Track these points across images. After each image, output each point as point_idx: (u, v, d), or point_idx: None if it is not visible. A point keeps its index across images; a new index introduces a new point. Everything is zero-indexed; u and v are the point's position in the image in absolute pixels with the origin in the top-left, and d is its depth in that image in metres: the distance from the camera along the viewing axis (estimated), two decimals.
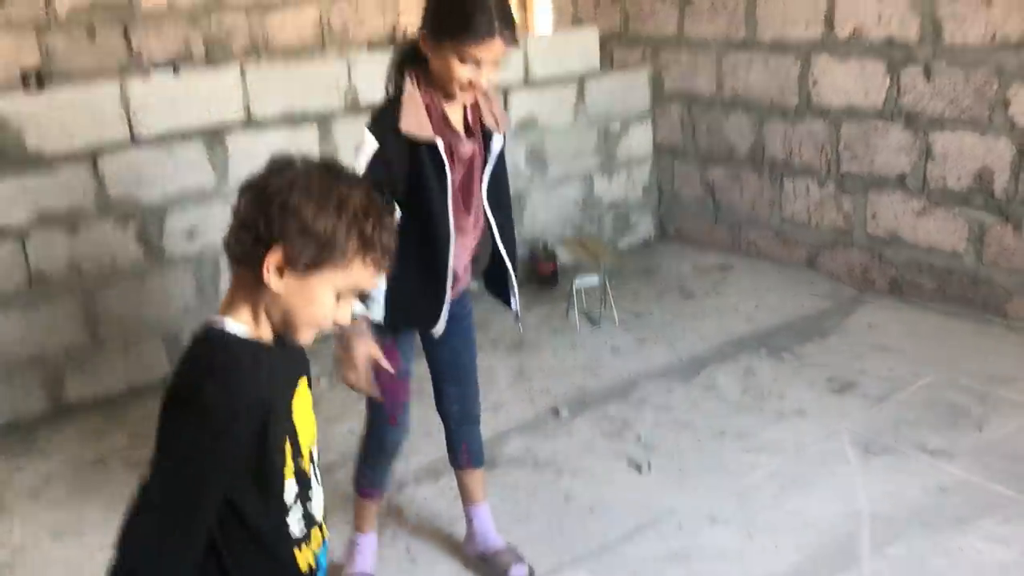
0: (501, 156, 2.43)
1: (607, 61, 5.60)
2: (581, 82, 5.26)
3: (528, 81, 5.05)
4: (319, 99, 4.42)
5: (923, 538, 2.77)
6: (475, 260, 2.51)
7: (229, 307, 1.37)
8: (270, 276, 1.31)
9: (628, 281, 5.04)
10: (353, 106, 4.50)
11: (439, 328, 2.46)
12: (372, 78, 4.50)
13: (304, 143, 4.39)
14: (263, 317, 1.36)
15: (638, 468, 3.27)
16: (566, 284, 4.80)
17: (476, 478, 2.77)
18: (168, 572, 1.29)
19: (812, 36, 4.63)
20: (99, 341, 4.06)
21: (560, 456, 3.38)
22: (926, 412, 3.49)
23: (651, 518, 2.97)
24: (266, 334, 1.38)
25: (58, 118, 3.83)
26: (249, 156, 4.26)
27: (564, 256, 5.05)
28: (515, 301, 2.62)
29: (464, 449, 2.74)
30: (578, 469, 3.29)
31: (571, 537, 2.91)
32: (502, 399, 3.85)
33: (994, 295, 4.18)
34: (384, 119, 2.24)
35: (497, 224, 2.50)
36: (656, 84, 5.54)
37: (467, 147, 2.32)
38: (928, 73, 4.20)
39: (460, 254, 2.40)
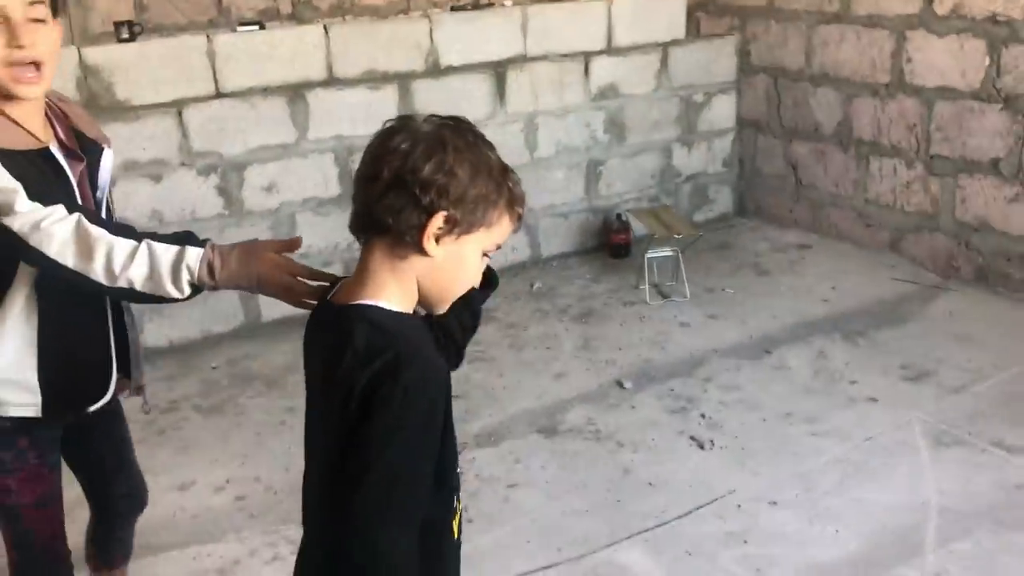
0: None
1: (693, 29, 5.48)
2: (665, 50, 5.16)
3: (611, 47, 4.98)
4: (400, 60, 4.43)
5: (993, 535, 2.69)
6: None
7: (374, 287, 1.29)
8: (429, 245, 1.25)
9: (702, 256, 4.96)
10: (434, 68, 4.50)
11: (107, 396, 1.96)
12: (454, 40, 4.51)
13: (384, 104, 4.41)
14: (408, 291, 1.30)
15: (700, 446, 3.23)
16: (638, 256, 4.75)
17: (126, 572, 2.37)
18: (411, 553, 1.27)
19: (909, 11, 4.44)
20: None
21: (622, 429, 3.36)
22: (1004, 406, 3.36)
23: (710, 497, 2.94)
24: (409, 308, 1.32)
25: (147, 69, 3.92)
26: (329, 114, 4.31)
27: (638, 227, 4.99)
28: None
29: (122, 545, 2.33)
30: (639, 443, 3.27)
31: (628, 511, 2.90)
32: (566, 368, 3.85)
33: None
34: None
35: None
36: (743, 55, 5.40)
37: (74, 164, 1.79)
38: None
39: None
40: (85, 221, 1.64)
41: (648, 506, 2.91)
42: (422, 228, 1.23)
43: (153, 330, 4.16)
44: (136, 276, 1.66)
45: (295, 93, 4.23)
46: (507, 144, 4.79)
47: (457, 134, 1.26)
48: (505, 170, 1.30)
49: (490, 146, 1.29)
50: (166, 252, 1.68)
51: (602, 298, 4.56)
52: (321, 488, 1.37)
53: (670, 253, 4.58)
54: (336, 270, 4.51)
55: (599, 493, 3.00)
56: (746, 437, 3.28)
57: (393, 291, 1.29)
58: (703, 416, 3.42)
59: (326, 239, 4.46)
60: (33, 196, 1.61)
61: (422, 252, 1.25)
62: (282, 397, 3.74)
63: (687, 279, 4.52)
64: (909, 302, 4.30)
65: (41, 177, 1.67)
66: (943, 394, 3.48)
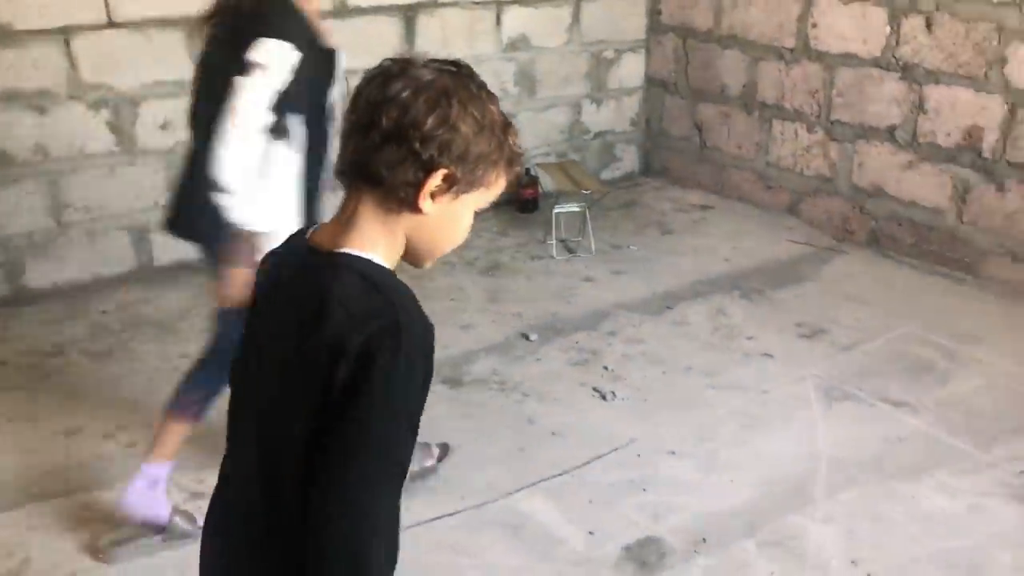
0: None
1: None
2: (577, 4, 5.12)
3: None
4: None
5: (876, 484, 2.81)
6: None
7: (361, 238, 1.19)
8: (425, 203, 1.17)
9: (608, 213, 4.99)
10: (341, 7, 4.35)
11: None
12: None
13: None
14: (396, 246, 1.22)
15: (603, 397, 3.27)
16: (546, 210, 4.75)
17: None
18: (395, 517, 1.20)
19: None
20: (63, 227, 3.97)
21: (527, 380, 3.37)
22: (892, 364, 3.51)
23: (612, 447, 2.98)
24: (394, 263, 1.24)
25: None
26: None
27: (546, 182, 4.98)
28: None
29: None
30: (543, 394, 3.28)
31: (532, 460, 2.92)
32: (473, 320, 3.83)
33: (970, 254, 4.18)
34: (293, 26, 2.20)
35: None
36: (653, 14, 5.41)
37: None
38: (929, 24, 4.12)
39: None
40: None
41: (551, 455, 2.93)
42: (419, 185, 1.16)
43: (37, 272, 3.95)
44: None
45: (194, 27, 4.02)
46: None
47: (461, 84, 1.17)
48: (507, 126, 1.21)
49: (493, 98, 1.21)
50: None
51: (509, 252, 4.54)
52: (280, 461, 1.22)
53: (577, 209, 4.59)
54: None
55: (503, 443, 3.00)
56: (647, 389, 3.33)
57: (381, 245, 1.20)
58: (606, 368, 3.45)
59: None
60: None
61: (416, 210, 1.18)
62: (176, 343, 3.61)
63: (593, 235, 4.55)
64: (805, 263, 4.43)
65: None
66: (835, 351, 3.60)
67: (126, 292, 4.02)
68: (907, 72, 4.25)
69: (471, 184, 1.19)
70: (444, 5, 4.65)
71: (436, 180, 1.15)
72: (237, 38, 2.17)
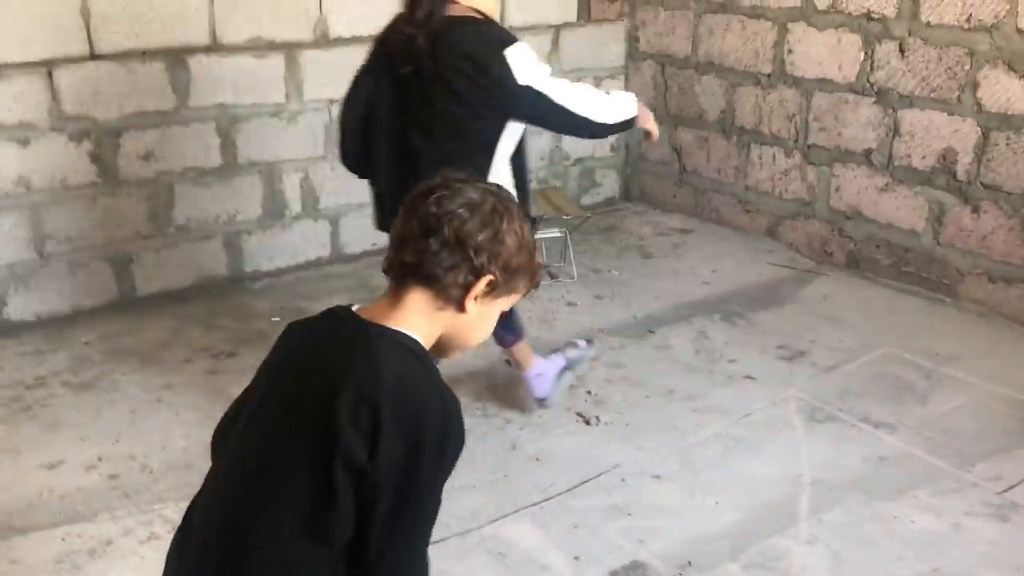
0: None
1: (584, 13, 5.51)
2: (557, 32, 5.19)
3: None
4: (288, 28, 4.29)
5: (860, 505, 2.82)
6: None
7: (409, 324, 1.38)
8: (470, 303, 1.38)
9: (589, 238, 5.03)
10: (323, 38, 4.39)
11: None
12: (344, 10, 4.41)
13: (270, 73, 4.28)
14: (433, 337, 1.41)
15: (586, 422, 3.28)
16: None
17: None
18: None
19: (791, 3, 4.59)
20: (45, 259, 3.96)
21: (509, 406, 3.38)
22: (872, 384, 3.54)
23: (595, 471, 2.99)
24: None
25: (14, 26, 3.68)
26: (212, 81, 4.15)
27: (527, 208, 5.01)
28: None
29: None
30: (527, 419, 3.29)
31: (515, 485, 2.92)
32: None
33: (947, 275, 4.24)
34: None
35: None
36: (631, 41, 5.49)
37: None
38: (903, 49, 4.20)
39: None
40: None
41: (535, 481, 2.94)
42: (468, 287, 1.36)
43: (19, 303, 3.93)
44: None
45: (176, 58, 4.05)
46: None
47: (504, 205, 1.39)
48: (535, 244, 1.45)
49: (526, 218, 1.44)
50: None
51: None
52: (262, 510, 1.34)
53: (559, 234, 4.62)
54: (216, 245, 4.37)
55: (486, 469, 3.00)
56: (630, 413, 3.34)
57: (423, 334, 1.39)
58: (589, 393, 3.46)
59: (206, 211, 4.30)
60: None
61: (461, 308, 1.38)
62: (158, 374, 3.60)
63: (575, 260, 4.57)
64: (785, 285, 4.47)
65: None
66: (816, 373, 3.63)
67: (108, 323, 4.01)
68: (882, 96, 4.33)
69: (506, 290, 1.41)
70: None
71: (482, 284, 1.37)
72: (456, 64, 2.55)
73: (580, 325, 4.04)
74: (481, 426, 3.25)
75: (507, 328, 3.03)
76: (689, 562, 2.57)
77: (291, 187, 4.51)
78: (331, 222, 4.68)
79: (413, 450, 1.28)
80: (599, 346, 3.82)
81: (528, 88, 2.58)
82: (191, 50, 4.07)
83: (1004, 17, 3.81)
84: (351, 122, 2.83)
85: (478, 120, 2.63)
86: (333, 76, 4.44)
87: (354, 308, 1.44)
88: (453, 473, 2.98)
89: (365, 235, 4.79)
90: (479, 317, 1.41)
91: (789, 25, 4.63)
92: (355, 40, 4.46)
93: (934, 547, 2.64)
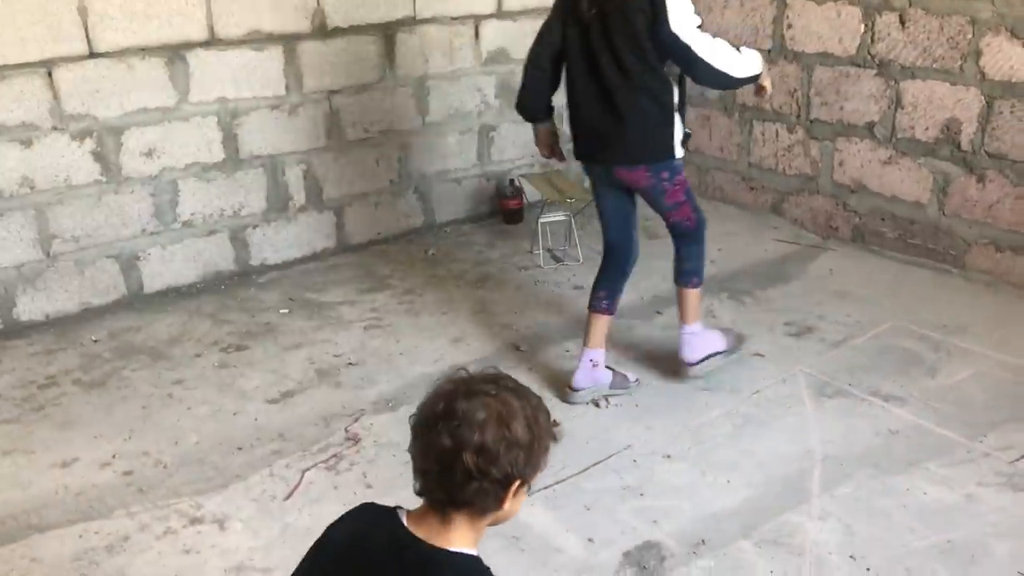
0: None
1: None
2: None
3: (501, 11, 4.94)
4: (286, 20, 4.28)
5: (871, 479, 2.83)
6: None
7: (459, 537, 1.45)
8: (507, 505, 1.45)
9: (593, 220, 4.96)
10: (321, 29, 4.38)
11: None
12: (341, 0, 4.39)
13: (269, 65, 4.27)
14: (481, 531, 1.49)
15: (596, 404, 3.29)
16: (532, 221, 4.77)
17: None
18: None
19: None
20: (52, 258, 3.98)
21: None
22: (881, 358, 3.54)
23: (607, 453, 3.00)
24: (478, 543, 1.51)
25: (12, 26, 3.67)
26: (212, 76, 4.15)
27: (531, 192, 5.01)
28: None
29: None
30: None
31: None
32: (463, 332, 3.85)
33: (953, 246, 4.23)
34: None
35: None
36: None
37: None
38: (903, 21, 4.17)
39: None
40: None
41: (548, 464, 2.94)
42: (502, 499, 1.43)
43: (28, 303, 3.95)
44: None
45: (175, 54, 4.05)
46: (398, 108, 4.73)
47: (510, 408, 1.42)
48: (547, 416, 1.49)
49: (533, 397, 1.48)
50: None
51: (497, 263, 4.56)
52: None
53: (563, 218, 4.62)
54: (222, 239, 4.38)
55: None
56: (640, 394, 3.35)
57: (475, 540, 1.47)
58: None
59: (211, 205, 4.31)
60: None
61: (500, 509, 1.45)
62: (168, 369, 3.62)
63: (580, 243, 4.57)
64: (791, 262, 4.47)
65: None
66: (824, 348, 3.63)
67: (116, 320, 4.03)
68: (883, 69, 4.30)
69: (535, 475, 1.47)
70: (423, 22, 4.68)
71: (513, 490, 1.43)
72: (637, 4, 2.83)
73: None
74: None
75: (699, 268, 3.38)
76: (702, 540, 2.59)
77: (294, 179, 4.51)
78: (335, 213, 4.68)
79: None
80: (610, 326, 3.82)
81: (676, 37, 2.83)
82: (189, 45, 4.06)
83: None
84: (539, 70, 3.18)
85: (655, 56, 2.90)
86: (332, 66, 4.45)
87: (403, 518, 1.48)
88: None
89: (369, 225, 4.80)
90: (516, 504, 1.48)
91: (788, 0, 4.60)
92: (353, 30, 4.47)
93: (946, 519, 2.65)
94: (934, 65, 4.10)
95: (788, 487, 2.81)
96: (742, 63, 3.00)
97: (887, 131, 4.36)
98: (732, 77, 3.00)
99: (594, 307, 3.33)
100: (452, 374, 1.52)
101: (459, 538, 1.45)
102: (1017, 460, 2.89)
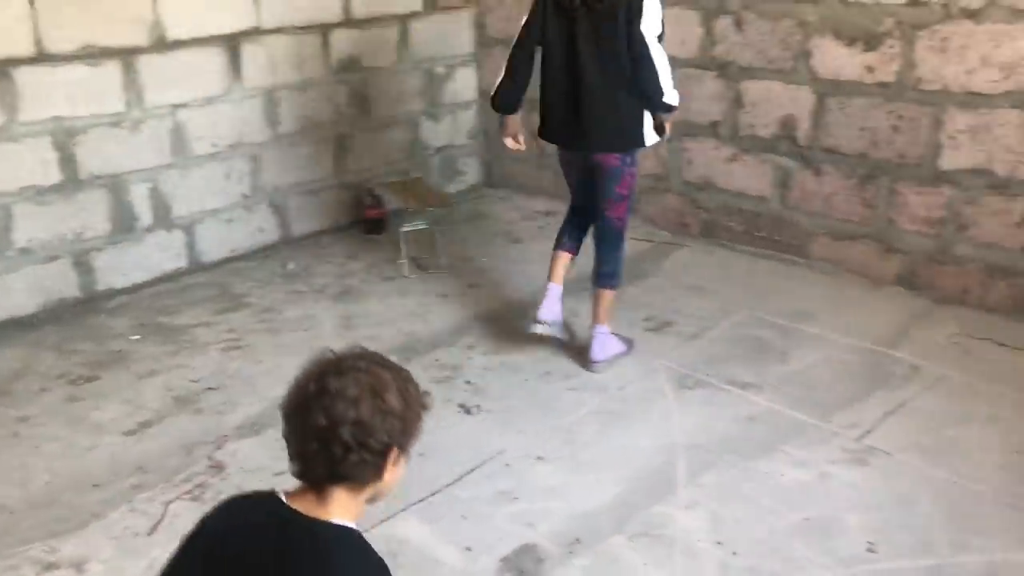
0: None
1: (430, 2, 5.49)
2: (404, 22, 5.15)
3: (349, 19, 4.89)
4: (122, 33, 4.09)
5: (733, 465, 2.95)
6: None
7: (341, 510, 1.47)
8: (386, 475, 1.49)
9: (457, 227, 5.03)
10: (160, 42, 4.21)
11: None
12: (180, 12, 4.24)
13: (106, 81, 4.08)
14: (362, 506, 1.52)
15: (467, 411, 3.29)
16: (394, 230, 4.74)
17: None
18: None
19: None
20: None
21: None
22: (735, 347, 3.69)
23: (480, 460, 3.01)
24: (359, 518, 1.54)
25: None
26: (42, 94, 3.92)
27: (392, 201, 4.97)
28: None
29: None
30: None
31: (401, 483, 2.89)
32: (327, 348, 3.77)
33: (796, 237, 4.45)
34: None
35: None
36: (479, 28, 5.50)
37: None
38: (739, 23, 4.36)
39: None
40: None
41: (421, 476, 2.92)
42: (381, 468, 1.47)
43: None
44: None
45: None
46: (247, 120, 4.60)
47: (381, 380, 1.46)
48: (416, 387, 1.54)
49: (403, 371, 1.53)
50: None
51: (360, 275, 4.51)
52: None
53: (425, 226, 4.61)
54: (64, 265, 4.14)
55: None
56: (510, 398, 3.38)
57: (355, 514, 1.50)
58: (468, 383, 3.48)
59: (50, 231, 4.07)
60: None
61: (379, 480, 1.49)
62: (11, 406, 3.40)
63: (444, 251, 4.57)
64: (647, 259, 4.60)
65: None
66: (682, 341, 3.76)
67: None
68: (723, 70, 4.49)
69: (412, 443, 1.53)
70: (268, 32, 4.57)
71: (392, 459, 1.48)
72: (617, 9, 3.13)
73: (454, 315, 4.04)
74: None
75: (618, 272, 3.56)
76: (577, 539, 2.63)
77: (140, 198, 4.31)
78: (185, 231, 4.51)
79: None
80: (475, 334, 3.85)
81: (643, 36, 3.13)
82: (15, 62, 3.82)
83: None
84: (524, 65, 3.42)
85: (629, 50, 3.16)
86: (175, 79, 4.29)
87: (282, 498, 1.48)
88: None
89: (222, 242, 4.65)
90: (395, 474, 1.52)
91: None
92: (196, 42, 4.32)
93: (803, 497, 2.79)
94: (769, 66, 4.31)
95: (656, 479, 2.89)
96: (672, 89, 3.26)
97: (730, 130, 4.55)
98: (661, 92, 3.22)
99: (562, 247, 3.62)
100: (318, 355, 1.53)
101: (339, 511, 1.47)
102: (862, 436, 3.07)
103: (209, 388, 3.50)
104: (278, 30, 4.60)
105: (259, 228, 4.78)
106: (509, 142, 3.64)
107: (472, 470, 2.96)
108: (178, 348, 3.81)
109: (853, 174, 4.17)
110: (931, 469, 2.89)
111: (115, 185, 4.22)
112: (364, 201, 5.03)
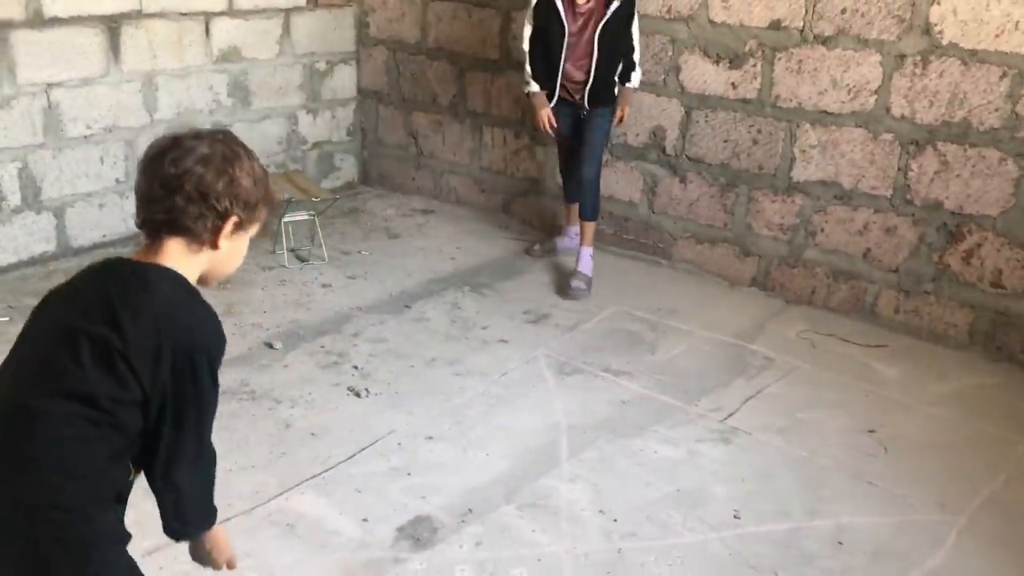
0: (616, 14, 4.04)
1: None
2: (287, 16, 5.16)
3: (232, 9, 4.87)
4: None
5: (610, 443, 3.16)
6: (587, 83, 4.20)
7: (169, 260, 1.52)
8: (222, 242, 1.54)
9: (335, 221, 5.08)
10: (36, 18, 4.08)
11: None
12: None
13: None
14: (196, 274, 1.57)
15: (357, 394, 3.37)
16: (273, 221, 4.73)
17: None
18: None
19: None
20: None
21: (277, 387, 3.39)
22: (608, 339, 3.92)
23: (372, 439, 3.10)
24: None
25: None
26: None
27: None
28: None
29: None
30: (297, 398, 3.33)
31: (295, 461, 2.96)
32: None
33: (662, 240, 4.75)
34: None
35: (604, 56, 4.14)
36: (361, 27, 5.57)
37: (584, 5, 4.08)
38: None
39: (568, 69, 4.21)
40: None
41: (314, 454, 3.00)
42: (218, 230, 1.53)
43: None
44: None
45: None
46: (124, 104, 4.51)
47: (232, 150, 1.54)
48: (267, 174, 1.62)
49: (254, 154, 1.60)
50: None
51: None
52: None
53: (306, 217, 4.64)
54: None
55: (263, 449, 3.01)
56: (397, 383, 3.48)
57: (186, 273, 1.55)
58: (356, 368, 3.56)
59: None
60: None
61: (215, 247, 1.55)
62: None
63: (324, 243, 4.61)
64: (522, 258, 4.79)
65: None
66: (560, 332, 3.96)
67: None
68: None
69: (251, 222, 1.59)
70: (150, 16, 4.50)
71: (229, 225, 1.54)
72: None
73: (338, 305, 4.10)
74: (249, 409, 3.24)
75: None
76: (469, 510, 2.76)
77: (8, 178, 4.16)
78: (55, 214, 4.38)
79: (193, 356, 1.48)
80: (359, 323, 3.93)
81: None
82: None
83: (698, 9, 4.34)
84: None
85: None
86: (51, 57, 4.17)
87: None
88: (229, 456, 2.99)
89: (94, 227, 4.53)
90: (232, 250, 1.59)
91: (512, 14, 4.94)
92: (75, 20, 4.21)
93: (674, 471, 3.02)
94: (643, 79, 4.59)
95: (540, 455, 3.07)
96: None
97: None
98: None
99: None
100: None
101: (171, 261, 1.53)
102: (726, 419, 3.35)
103: None
104: (160, 14, 4.54)
105: (132, 214, 4.66)
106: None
107: (364, 448, 3.05)
108: None
109: (715, 182, 4.51)
110: (786, 446, 3.19)
111: None
112: None
